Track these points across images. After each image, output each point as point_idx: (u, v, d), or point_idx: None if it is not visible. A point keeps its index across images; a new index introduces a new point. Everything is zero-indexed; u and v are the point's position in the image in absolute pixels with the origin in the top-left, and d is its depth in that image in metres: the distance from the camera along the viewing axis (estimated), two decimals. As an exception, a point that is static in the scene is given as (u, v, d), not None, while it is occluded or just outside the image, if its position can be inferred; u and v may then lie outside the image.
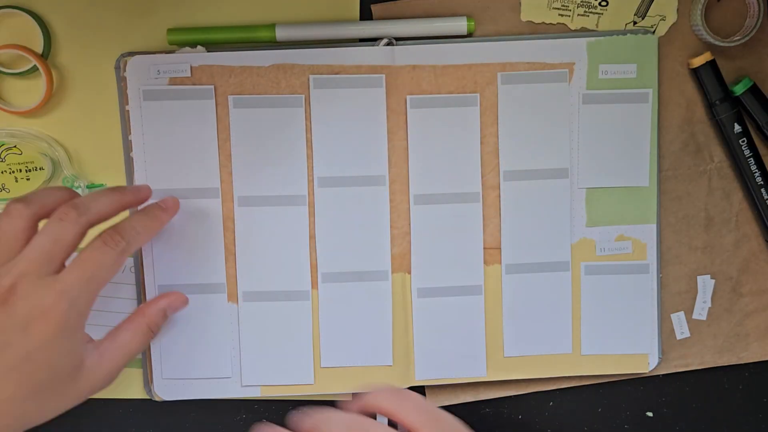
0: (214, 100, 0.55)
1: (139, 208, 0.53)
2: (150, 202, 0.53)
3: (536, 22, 0.56)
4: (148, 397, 0.57)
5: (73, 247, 0.46)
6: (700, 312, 0.58)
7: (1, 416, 0.44)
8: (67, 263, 0.47)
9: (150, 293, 0.56)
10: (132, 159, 0.55)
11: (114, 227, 0.48)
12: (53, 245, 0.45)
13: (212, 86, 0.54)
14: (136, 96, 0.54)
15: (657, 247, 0.57)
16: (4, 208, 0.47)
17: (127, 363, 0.49)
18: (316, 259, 0.56)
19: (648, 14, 0.56)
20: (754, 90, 0.56)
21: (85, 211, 0.47)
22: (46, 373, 0.45)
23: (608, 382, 0.59)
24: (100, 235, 0.47)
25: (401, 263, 0.56)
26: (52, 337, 0.44)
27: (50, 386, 0.45)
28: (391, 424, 0.45)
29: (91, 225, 0.47)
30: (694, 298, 0.58)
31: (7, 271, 0.45)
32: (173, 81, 0.54)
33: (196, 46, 0.55)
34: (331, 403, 0.58)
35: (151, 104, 0.54)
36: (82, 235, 0.47)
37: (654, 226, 0.57)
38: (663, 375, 0.59)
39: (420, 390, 0.59)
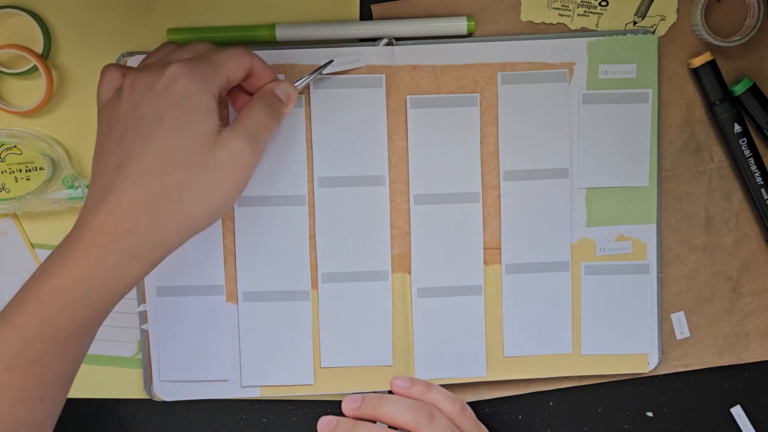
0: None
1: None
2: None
3: (536, 22, 0.56)
4: (148, 397, 0.57)
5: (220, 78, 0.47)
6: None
7: (148, 194, 0.44)
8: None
9: (149, 293, 0.56)
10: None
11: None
12: (204, 62, 0.47)
13: None
14: None
15: (657, 247, 0.57)
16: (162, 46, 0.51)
17: (264, 137, 0.48)
18: (316, 259, 0.56)
19: (648, 14, 0.56)
20: (754, 90, 0.56)
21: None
22: (179, 138, 0.44)
23: (608, 382, 0.59)
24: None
25: (401, 263, 0.56)
26: (181, 96, 0.45)
27: (186, 152, 0.44)
28: None
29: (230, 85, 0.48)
30: (695, 298, 0.58)
31: (169, 58, 0.48)
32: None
33: (196, 46, 0.55)
34: (331, 403, 0.58)
35: None
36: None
37: (654, 226, 0.57)
38: (663, 375, 0.59)
39: (420, 390, 0.59)
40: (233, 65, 0.47)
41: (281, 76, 0.54)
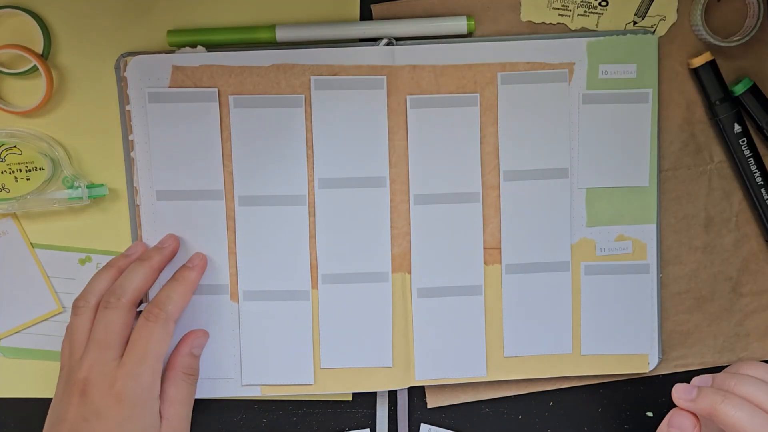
0: (218, 102, 0.55)
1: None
2: (167, 260, 0.56)
3: (536, 22, 0.56)
4: (148, 397, 0.57)
5: (126, 327, 0.51)
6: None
7: None
8: None
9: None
10: (132, 159, 0.55)
11: (151, 302, 0.52)
12: (106, 334, 0.50)
13: (216, 89, 0.54)
14: (138, 97, 0.54)
15: (657, 247, 0.57)
16: (72, 307, 0.52)
17: (190, 410, 0.53)
18: (316, 259, 0.56)
19: (648, 14, 0.56)
20: (754, 90, 0.56)
21: (123, 293, 0.51)
22: None
23: (608, 382, 0.59)
24: (142, 313, 0.52)
25: (401, 263, 0.56)
26: (128, 418, 0.49)
27: None
28: None
29: (135, 302, 0.52)
30: (695, 298, 0.58)
31: (79, 366, 0.50)
32: (174, 82, 0.54)
33: (196, 47, 0.55)
34: (331, 403, 0.58)
35: (155, 106, 0.54)
36: (130, 314, 0.52)
37: (654, 226, 0.57)
38: (663, 375, 0.59)
39: (420, 390, 0.59)
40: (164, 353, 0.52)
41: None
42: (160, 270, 0.54)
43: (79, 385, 0.49)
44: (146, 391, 0.50)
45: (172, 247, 0.55)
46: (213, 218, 0.56)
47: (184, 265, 0.55)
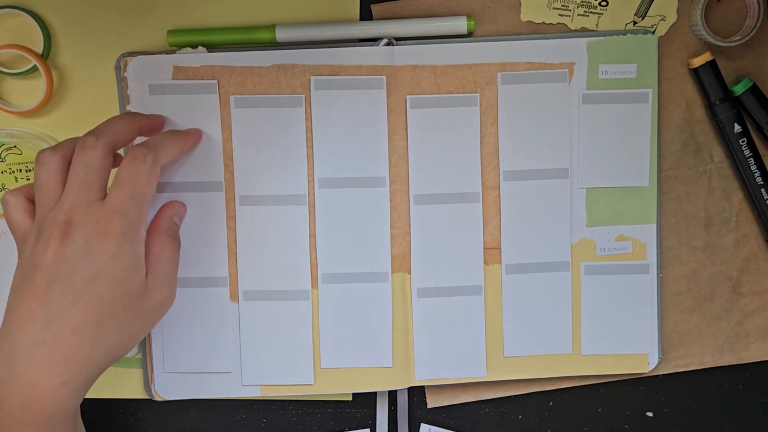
0: (217, 95, 0.55)
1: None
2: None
3: (536, 22, 0.56)
4: (148, 397, 0.57)
5: (106, 170, 0.48)
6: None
7: (80, 345, 0.45)
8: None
9: None
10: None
11: (141, 143, 0.49)
12: (86, 173, 0.46)
13: (215, 81, 0.54)
14: (139, 93, 0.54)
15: (657, 247, 0.57)
16: (35, 160, 0.48)
17: (175, 273, 0.50)
18: (316, 259, 0.56)
19: (648, 14, 0.56)
20: (754, 90, 0.56)
21: (101, 133, 0.48)
22: (113, 293, 0.46)
23: (608, 382, 0.59)
24: (127, 153, 0.48)
25: (401, 263, 0.56)
26: (114, 254, 0.46)
27: (120, 306, 0.46)
28: None
29: (114, 146, 0.48)
30: (695, 298, 0.58)
31: (57, 210, 0.46)
32: (176, 76, 0.54)
33: (197, 47, 0.55)
34: (331, 403, 0.58)
35: (156, 98, 0.54)
36: (109, 157, 0.48)
37: (654, 226, 0.57)
38: (663, 375, 0.59)
39: (420, 390, 0.59)
40: (152, 187, 0.48)
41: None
42: (143, 130, 0.52)
43: (60, 228, 0.45)
44: (133, 230, 0.47)
45: (161, 118, 0.53)
46: (213, 218, 0.56)
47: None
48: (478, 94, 0.55)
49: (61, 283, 0.45)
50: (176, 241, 0.52)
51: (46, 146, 0.55)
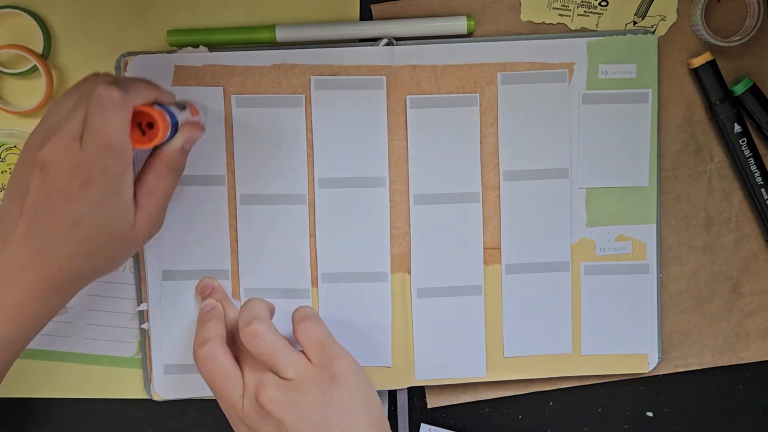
0: (222, 101, 0.55)
1: None
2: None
3: (536, 22, 0.56)
4: (148, 397, 0.57)
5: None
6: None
7: (60, 270, 0.46)
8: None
9: (154, 278, 0.55)
10: (133, 159, 0.55)
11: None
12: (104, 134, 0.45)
13: (221, 87, 0.54)
14: None
15: (657, 247, 0.57)
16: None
17: (168, 201, 0.50)
18: (316, 258, 0.56)
19: (648, 14, 0.56)
20: (754, 90, 0.56)
21: (128, 90, 0.46)
22: (98, 236, 0.46)
23: (608, 382, 0.59)
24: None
25: (401, 263, 0.56)
26: (98, 202, 0.45)
27: (104, 246, 0.47)
28: None
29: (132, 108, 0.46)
30: (695, 298, 0.58)
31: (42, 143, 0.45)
32: (177, 81, 0.54)
33: (198, 47, 0.55)
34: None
35: None
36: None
37: (654, 226, 0.57)
38: (663, 375, 0.59)
39: (420, 390, 0.59)
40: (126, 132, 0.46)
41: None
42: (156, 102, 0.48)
43: (38, 163, 0.45)
44: (116, 180, 0.45)
45: (172, 96, 0.50)
46: (215, 212, 0.55)
47: None
48: (478, 94, 0.55)
49: (47, 216, 0.45)
50: (176, 172, 0.50)
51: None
